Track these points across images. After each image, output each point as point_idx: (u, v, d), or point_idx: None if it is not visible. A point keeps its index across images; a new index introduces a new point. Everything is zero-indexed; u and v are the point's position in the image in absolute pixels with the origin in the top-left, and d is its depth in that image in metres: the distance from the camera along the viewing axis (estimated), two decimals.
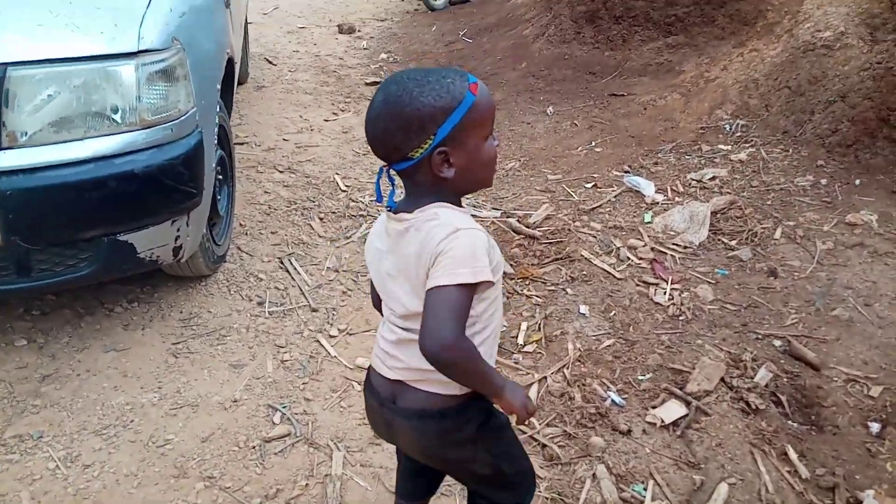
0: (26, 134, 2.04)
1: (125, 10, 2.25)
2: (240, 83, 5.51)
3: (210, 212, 2.87)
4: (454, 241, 1.19)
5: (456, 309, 1.17)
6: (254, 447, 2.18)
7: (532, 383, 2.56)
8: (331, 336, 2.74)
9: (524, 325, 2.89)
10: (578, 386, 2.55)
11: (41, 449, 2.09)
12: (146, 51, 2.21)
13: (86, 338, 2.57)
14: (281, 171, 4.10)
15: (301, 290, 3.00)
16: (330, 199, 3.83)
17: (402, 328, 1.33)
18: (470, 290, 1.19)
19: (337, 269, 3.19)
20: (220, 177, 3.06)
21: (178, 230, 2.42)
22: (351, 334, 2.76)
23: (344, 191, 3.95)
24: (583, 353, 2.72)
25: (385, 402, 1.39)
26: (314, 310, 2.88)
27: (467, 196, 1.48)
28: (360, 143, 4.65)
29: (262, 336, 2.70)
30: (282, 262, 3.18)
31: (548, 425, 2.38)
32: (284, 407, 2.34)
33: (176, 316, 2.74)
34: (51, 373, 2.39)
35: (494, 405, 1.42)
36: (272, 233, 3.42)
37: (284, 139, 4.61)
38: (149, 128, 2.22)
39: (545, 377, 2.59)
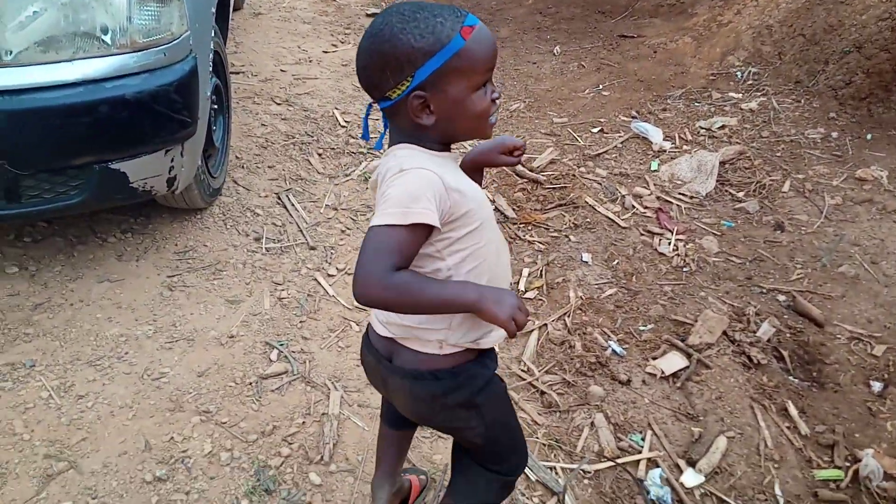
0: (11, 53, 1.92)
1: None
2: (235, 9, 5.30)
3: (205, 143, 2.77)
4: (395, 180, 1.10)
5: (383, 250, 1.06)
6: (250, 383, 2.15)
7: (532, 330, 2.53)
8: (329, 275, 2.69)
9: (526, 272, 2.84)
10: (579, 334, 2.52)
11: (34, 378, 2.05)
12: None
13: (78, 267, 2.51)
14: (278, 104, 3.97)
15: (299, 227, 2.93)
16: (329, 134, 3.72)
17: None
18: (403, 233, 1.07)
19: (336, 206, 3.11)
20: (216, 106, 2.94)
21: (172, 160, 2.33)
22: (349, 274, 2.71)
23: (343, 126, 3.83)
24: (584, 302, 2.68)
25: (381, 360, 1.34)
26: (312, 248, 2.82)
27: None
28: None
29: (259, 272, 2.64)
30: (279, 198, 3.10)
31: (547, 373, 2.36)
32: (282, 345, 2.31)
33: (171, 248, 2.68)
34: (43, 301, 2.33)
35: (494, 374, 1.37)
36: (269, 167, 3.32)
37: (282, 70, 4.46)
38: (140, 51, 2.10)
39: (546, 324, 2.56)
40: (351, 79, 4.47)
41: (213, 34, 2.59)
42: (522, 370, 2.36)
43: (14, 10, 1.91)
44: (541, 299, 2.70)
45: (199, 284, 2.53)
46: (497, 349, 1.40)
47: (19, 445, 1.84)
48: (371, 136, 3.51)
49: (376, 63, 1.13)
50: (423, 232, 1.10)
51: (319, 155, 3.51)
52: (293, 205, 3.06)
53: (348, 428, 2.05)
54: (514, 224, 3.14)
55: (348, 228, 2.98)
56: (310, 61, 4.67)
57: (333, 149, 3.58)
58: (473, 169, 1.41)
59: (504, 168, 3.56)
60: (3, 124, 1.93)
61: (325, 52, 4.88)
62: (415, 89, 1.12)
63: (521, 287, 2.75)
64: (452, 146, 1.26)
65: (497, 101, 1.22)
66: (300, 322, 2.42)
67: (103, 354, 2.17)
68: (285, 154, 3.45)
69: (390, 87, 1.13)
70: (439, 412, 1.36)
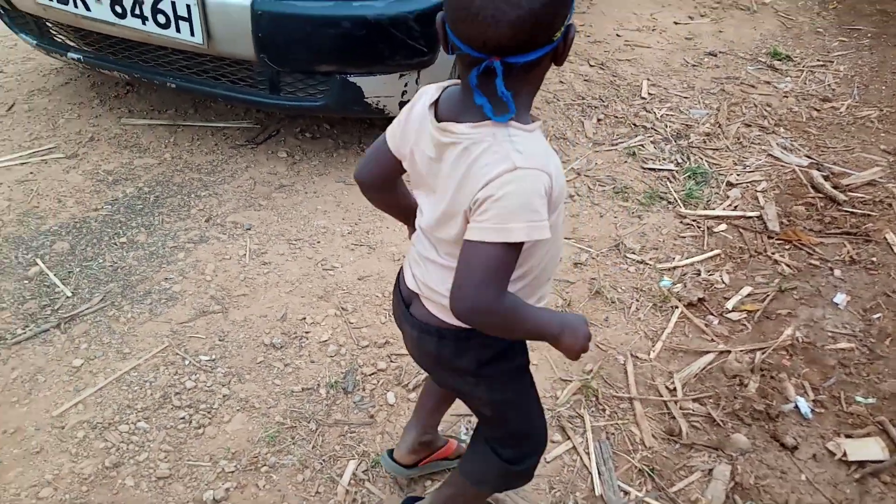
0: None
1: None
2: None
3: None
4: (509, 184, 0.94)
5: (498, 270, 0.98)
6: None
7: (708, 352, 2.16)
8: None
9: (746, 290, 2.41)
10: (763, 375, 2.08)
11: (243, 238, 2.48)
12: None
13: (329, 166, 2.90)
14: (591, 66, 3.91)
15: None
16: (623, 102, 3.56)
17: (428, 242, 1.18)
18: (518, 248, 0.98)
19: (580, 171, 3.01)
20: None
21: (406, 85, 2.52)
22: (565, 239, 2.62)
23: (643, 98, 3.62)
24: (797, 344, 2.19)
25: (400, 303, 1.30)
26: None
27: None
28: (698, 52, 4.15)
29: None
30: None
31: (695, 400, 2.01)
32: None
33: None
34: (287, 184, 2.77)
35: (510, 348, 1.25)
36: (542, 121, 3.34)
37: (618, 34, 4.35)
38: None
39: (729, 352, 2.16)
40: (686, 53, 4.16)
41: None
42: (667, 386, 2.05)
43: None
44: (743, 325, 2.28)
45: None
46: None
47: (199, 282, 2.27)
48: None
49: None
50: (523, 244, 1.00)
51: (599, 121, 3.40)
52: None
53: None
54: (770, 238, 2.66)
55: (578, 195, 2.86)
56: (652, 30, 4.45)
57: (617, 117, 3.43)
58: None
59: (800, 174, 3.01)
60: (266, 24, 2.31)
61: (676, 22, 4.59)
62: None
63: (729, 305, 2.35)
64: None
65: None
66: None
67: (301, 237, 2.51)
68: (564, 113, 3.42)
69: (559, 26, 0.94)
70: (444, 371, 1.31)
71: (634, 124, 3.39)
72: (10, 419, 1.80)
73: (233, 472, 1.74)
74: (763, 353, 2.15)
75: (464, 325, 1.17)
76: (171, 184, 2.71)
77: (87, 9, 2.46)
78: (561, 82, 3.69)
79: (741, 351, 2.17)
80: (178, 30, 2.40)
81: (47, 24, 2.74)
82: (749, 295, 2.40)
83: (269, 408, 1.90)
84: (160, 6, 2.36)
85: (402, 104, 2.49)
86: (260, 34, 2.33)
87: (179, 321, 2.12)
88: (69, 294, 2.18)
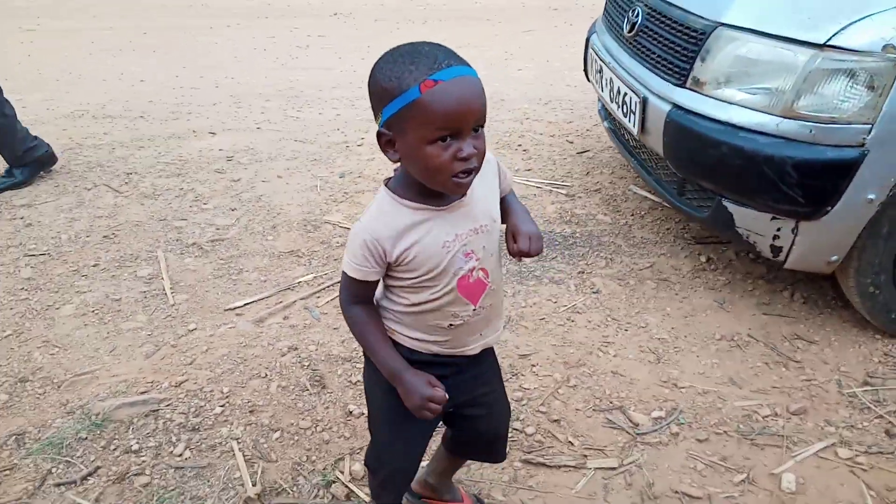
0: (702, 84, 2.41)
1: (849, 8, 2.10)
2: None
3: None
4: (351, 231, 1.30)
5: (343, 286, 1.34)
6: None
7: None
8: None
9: None
10: None
11: (584, 295, 2.80)
12: (834, 47, 2.08)
13: (728, 287, 2.84)
14: None
15: None
16: None
17: None
18: (349, 278, 1.30)
19: None
20: None
21: (778, 230, 2.31)
22: None
23: None
24: None
25: None
26: None
27: None
28: None
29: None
30: None
31: None
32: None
33: (784, 331, 2.59)
34: (671, 281, 2.87)
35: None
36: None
37: None
38: (789, 119, 2.16)
39: None
40: None
41: None
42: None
43: (720, 55, 2.37)
44: None
45: (758, 357, 2.49)
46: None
47: (514, 305, 2.78)
48: None
49: (369, 91, 1.22)
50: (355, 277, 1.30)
51: None
52: None
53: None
54: None
55: None
56: None
57: None
58: None
59: None
60: (671, 131, 2.51)
61: None
62: (383, 125, 1.19)
63: None
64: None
65: (467, 160, 1.16)
66: None
67: (618, 319, 2.67)
68: None
69: (375, 116, 1.22)
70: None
71: None
72: None
73: None
74: None
75: None
76: (594, 238, 3.20)
77: (602, 90, 3.15)
78: None
79: None
80: (629, 119, 2.85)
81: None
82: None
83: None
84: (625, 98, 2.86)
85: (773, 248, 2.40)
86: (666, 138, 2.57)
87: None
88: None
